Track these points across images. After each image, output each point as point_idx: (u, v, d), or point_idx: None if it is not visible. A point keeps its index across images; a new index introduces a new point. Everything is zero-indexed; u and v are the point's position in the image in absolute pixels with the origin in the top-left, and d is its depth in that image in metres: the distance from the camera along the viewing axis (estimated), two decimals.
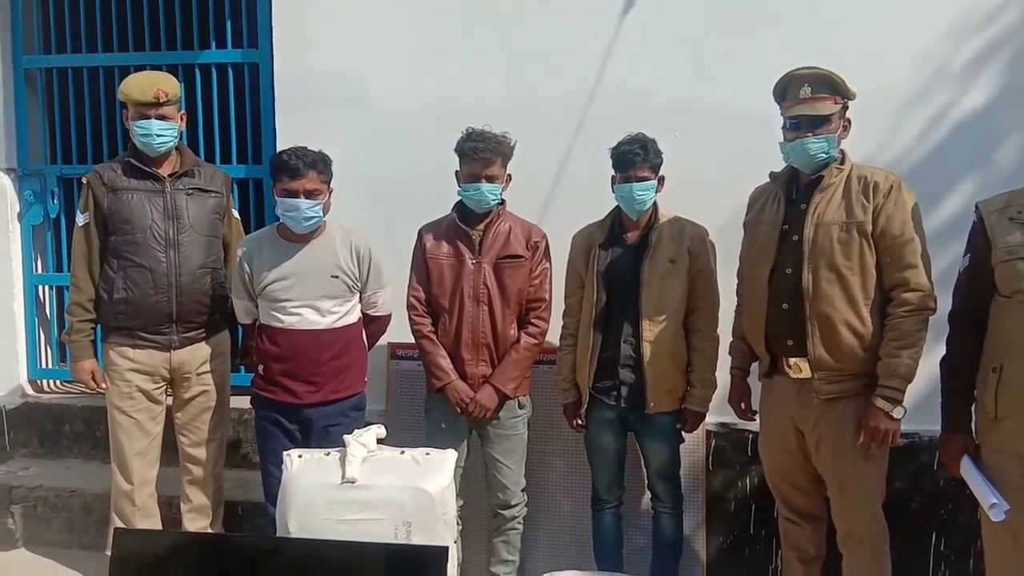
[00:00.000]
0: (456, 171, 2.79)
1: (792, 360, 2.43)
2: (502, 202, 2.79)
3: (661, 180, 2.70)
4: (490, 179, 2.68)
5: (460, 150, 2.73)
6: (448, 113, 2.96)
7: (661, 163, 2.69)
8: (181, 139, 2.93)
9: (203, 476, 3.01)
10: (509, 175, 2.77)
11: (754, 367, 2.68)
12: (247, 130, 3.75)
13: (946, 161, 3.05)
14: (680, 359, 2.68)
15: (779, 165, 2.56)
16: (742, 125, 2.99)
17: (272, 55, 3.49)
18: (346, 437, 2.39)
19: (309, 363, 2.70)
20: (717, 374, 2.76)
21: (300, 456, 2.42)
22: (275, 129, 3.47)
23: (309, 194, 2.61)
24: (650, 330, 2.63)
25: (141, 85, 2.76)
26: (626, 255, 2.70)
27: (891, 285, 2.31)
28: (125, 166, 2.85)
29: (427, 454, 2.40)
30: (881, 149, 3.02)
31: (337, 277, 2.72)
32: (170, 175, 2.86)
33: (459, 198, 2.81)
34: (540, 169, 3.19)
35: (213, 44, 3.72)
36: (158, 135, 2.77)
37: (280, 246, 2.73)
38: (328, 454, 2.41)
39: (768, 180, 2.57)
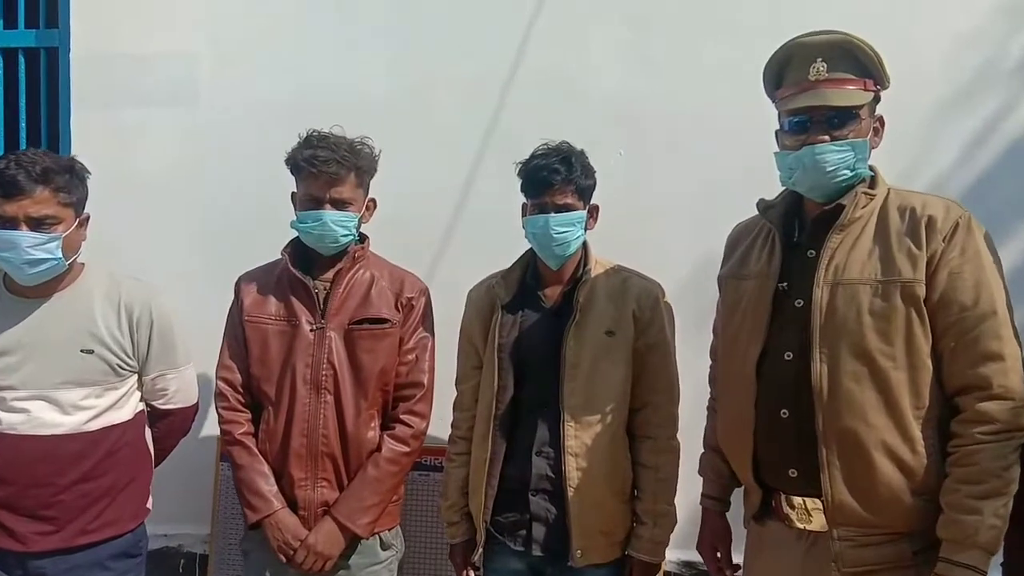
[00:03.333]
0: (292, 193, 2.02)
1: (796, 500, 1.60)
2: (361, 239, 2.08)
3: (593, 211, 1.99)
4: (338, 204, 1.95)
5: (293, 162, 1.96)
6: (308, 111, 2.16)
7: (593, 187, 1.97)
8: None
9: None
10: (372, 200, 2.07)
11: (737, 496, 1.84)
12: (41, 134, 2.84)
13: (997, 184, 2.23)
14: (621, 481, 1.91)
15: (773, 190, 1.73)
16: (717, 131, 2.37)
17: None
18: None
19: (39, 488, 1.82)
20: (679, 500, 1.94)
21: None
22: (69, 132, 2.67)
23: (36, 224, 1.76)
24: (576, 437, 1.87)
25: None
26: (542, 322, 1.96)
27: (958, 387, 1.48)
28: None
29: None
30: (910, 167, 2.20)
31: (91, 352, 1.86)
32: None
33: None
34: (432, 193, 2.54)
35: (0, 23, 2.82)
36: None
37: (3, 303, 1.86)
38: None
39: (756, 212, 1.76)
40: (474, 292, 2.06)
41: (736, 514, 1.86)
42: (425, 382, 2.03)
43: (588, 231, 1.97)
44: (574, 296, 1.90)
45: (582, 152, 1.94)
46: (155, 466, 2.05)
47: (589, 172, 1.93)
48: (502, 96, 2.52)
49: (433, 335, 2.07)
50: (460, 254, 2.48)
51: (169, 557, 2.57)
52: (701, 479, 1.93)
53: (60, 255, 1.78)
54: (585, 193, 1.93)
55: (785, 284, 1.62)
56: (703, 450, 1.93)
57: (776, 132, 1.65)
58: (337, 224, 1.93)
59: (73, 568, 1.84)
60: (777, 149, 1.65)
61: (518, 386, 1.92)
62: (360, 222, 2.00)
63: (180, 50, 2.60)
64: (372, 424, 1.99)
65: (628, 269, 1.99)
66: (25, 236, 1.73)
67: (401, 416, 2.01)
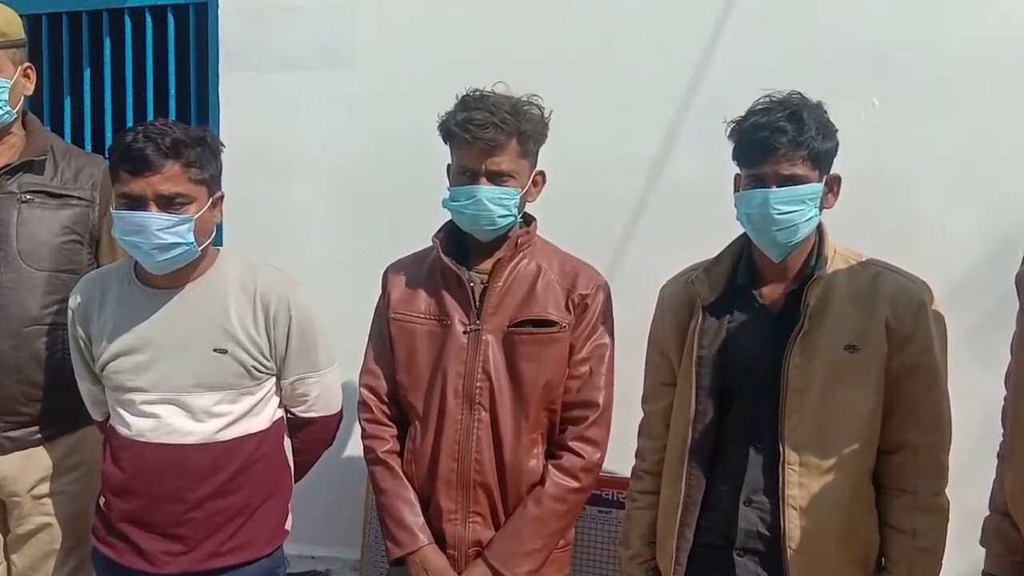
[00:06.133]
0: (448, 166, 2.03)
1: None
2: (527, 222, 2.06)
3: (832, 184, 1.83)
4: (496, 177, 1.92)
5: (446, 128, 1.97)
6: (474, 69, 2.17)
7: (833, 151, 1.81)
8: (26, 111, 2.24)
9: None
10: (541, 173, 2.03)
11: None
12: (190, 101, 3.09)
13: None
14: (864, 546, 1.78)
15: None
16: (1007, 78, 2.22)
17: None
18: None
19: (170, 504, 1.91)
20: (947, 573, 1.79)
21: None
22: (218, 97, 2.89)
23: (166, 203, 1.82)
24: (802, 484, 1.76)
25: None
26: (757, 331, 1.85)
27: None
28: None
29: None
30: None
31: (225, 352, 1.93)
32: (0, 169, 2.17)
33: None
34: (616, 163, 2.53)
35: None
36: None
37: (133, 295, 1.96)
38: None
39: None
40: (668, 288, 1.99)
41: None
42: (600, 401, 1.98)
43: (825, 210, 1.81)
44: (802, 297, 1.77)
45: (818, 105, 1.78)
46: (295, 481, 2.12)
47: (827, 132, 1.77)
48: (710, 41, 2.43)
49: (613, 342, 2.02)
50: (651, 240, 2.44)
51: None
52: (983, 553, 1.67)
53: (192, 239, 1.84)
54: (821, 160, 1.76)
55: None
56: (987, 514, 1.68)
57: None
58: (494, 202, 1.90)
59: None
60: None
61: (722, 412, 1.84)
62: (524, 200, 1.97)
63: (333, 3, 2.72)
64: (534, 451, 1.96)
65: (881, 262, 1.83)
66: (154, 218, 1.80)
67: (570, 443, 1.97)
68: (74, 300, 2.01)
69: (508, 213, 1.92)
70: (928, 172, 2.32)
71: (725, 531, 1.79)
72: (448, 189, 1.97)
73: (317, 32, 2.76)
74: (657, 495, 1.92)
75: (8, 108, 2.11)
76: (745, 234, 1.86)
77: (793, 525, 1.71)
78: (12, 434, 2.15)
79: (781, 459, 1.73)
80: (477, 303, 1.96)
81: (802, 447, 1.73)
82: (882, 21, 2.34)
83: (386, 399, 2.04)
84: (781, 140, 1.71)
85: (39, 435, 2.19)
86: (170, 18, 3.02)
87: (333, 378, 2.10)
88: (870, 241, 1.91)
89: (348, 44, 2.75)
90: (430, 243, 2.03)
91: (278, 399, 2.04)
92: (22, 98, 2.18)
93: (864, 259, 1.82)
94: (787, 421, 1.74)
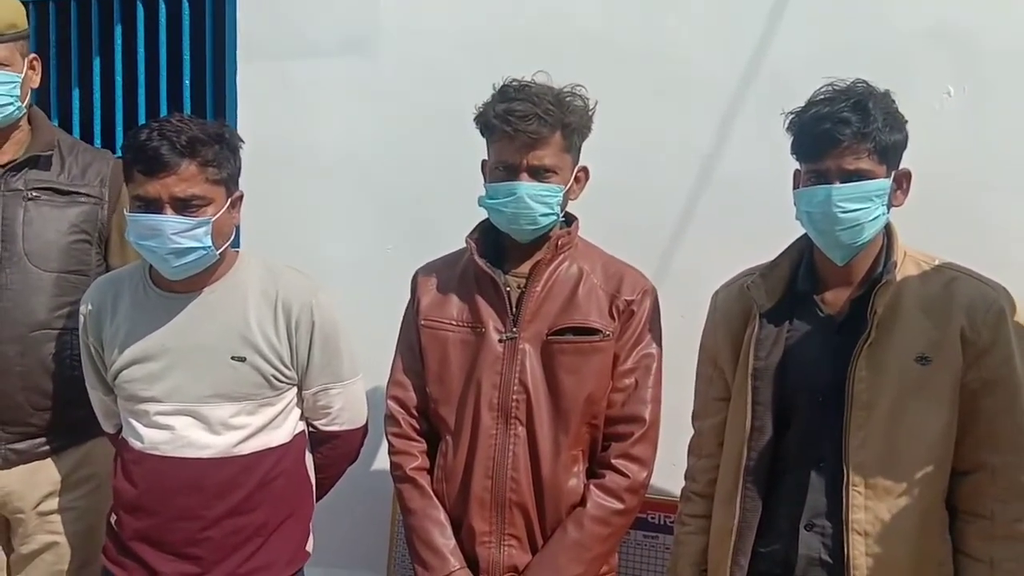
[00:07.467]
0: (483, 161, 2.08)
1: None
2: (566, 221, 2.10)
3: (902, 180, 1.85)
4: (538, 172, 1.96)
5: (484, 120, 2.01)
6: (510, 58, 2.25)
7: (902, 144, 1.83)
8: (32, 104, 2.30)
9: None
10: (584, 169, 2.08)
11: None
12: (206, 93, 3.14)
13: None
14: (936, 574, 1.80)
15: None
16: None
17: None
18: None
19: (185, 522, 1.98)
20: None
21: None
22: (236, 89, 2.95)
23: (182, 205, 1.88)
24: (868, 508, 1.78)
25: None
26: (819, 340, 1.87)
27: None
28: None
29: None
30: None
31: (243, 360, 1.98)
32: (5, 166, 2.24)
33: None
34: (665, 156, 2.55)
35: None
36: None
37: (148, 299, 2.03)
38: None
39: None
40: (721, 294, 2.02)
41: None
42: (647, 416, 2.00)
43: (894, 209, 1.82)
44: (869, 304, 1.78)
45: (886, 94, 1.79)
46: (317, 499, 2.18)
47: (896, 123, 1.78)
48: (770, 22, 2.44)
49: (661, 352, 2.05)
50: (703, 241, 2.46)
51: None
52: None
53: (210, 243, 1.90)
54: (889, 154, 1.77)
55: None
56: None
57: None
58: (535, 199, 1.93)
59: None
60: None
61: (780, 429, 1.86)
62: (566, 198, 2.00)
63: None
64: (575, 469, 2.00)
65: (956, 266, 1.84)
66: (170, 221, 1.85)
67: (614, 461, 1.99)
68: (85, 306, 2.08)
69: (550, 211, 1.95)
70: (1010, 170, 2.29)
71: (784, 558, 1.81)
72: (485, 186, 2.01)
73: (340, 17, 2.80)
74: (709, 519, 1.94)
75: (19, 103, 2.19)
76: (806, 235, 1.87)
77: (858, 552, 1.73)
78: (18, 446, 2.22)
79: (845, 480, 1.75)
80: (514, 309, 2.00)
81: (868, 468, 1.74)
82: (962, 0, 2.32)
83: (415, 412, 2.08)
84: (845, 132, 1.73)
85: (46, 447, 2.26)
86: (185, 4, 3.08)
87: (358, 389, 2.15)
88: (944, 243, 1.91)
89: (373, 29, 2.78)
90: (463, 244, 2.07)
91: (299, 411, 2.10)
92: (29, 91, 2.25)
93: (937, 263, 1.82)
94: (852, 439, 1.76)
